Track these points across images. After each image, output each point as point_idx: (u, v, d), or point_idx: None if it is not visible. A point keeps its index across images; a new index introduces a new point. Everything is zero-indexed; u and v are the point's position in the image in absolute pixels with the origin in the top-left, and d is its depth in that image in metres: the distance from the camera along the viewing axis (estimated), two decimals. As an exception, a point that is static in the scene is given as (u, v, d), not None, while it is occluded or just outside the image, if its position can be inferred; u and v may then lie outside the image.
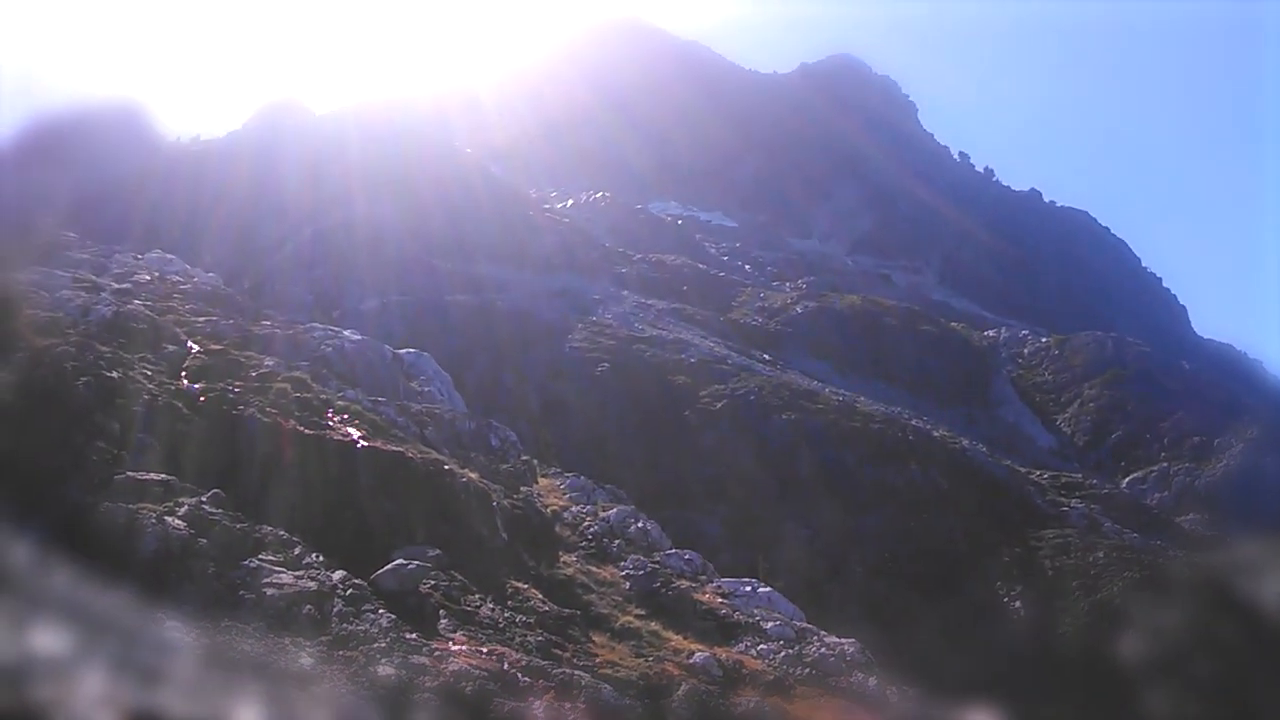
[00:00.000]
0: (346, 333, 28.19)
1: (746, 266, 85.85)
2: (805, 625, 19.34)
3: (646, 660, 15.35)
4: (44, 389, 16.25)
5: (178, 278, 30.76)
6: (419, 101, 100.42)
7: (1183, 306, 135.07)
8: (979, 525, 39.15)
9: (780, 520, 37.85)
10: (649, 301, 57.99)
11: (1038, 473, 47.87)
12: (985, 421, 58.30)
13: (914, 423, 47.01)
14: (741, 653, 17.09)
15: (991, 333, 76.47)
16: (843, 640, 18.51)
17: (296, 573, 13.15)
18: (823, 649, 17.95)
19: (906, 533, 38.12)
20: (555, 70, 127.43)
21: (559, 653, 14.35)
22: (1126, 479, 53.42)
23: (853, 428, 43.42)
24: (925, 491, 40.79)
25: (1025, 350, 72.37)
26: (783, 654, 17.42)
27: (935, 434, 46.53)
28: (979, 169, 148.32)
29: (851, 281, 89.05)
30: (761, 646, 17.57)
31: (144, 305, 23.59)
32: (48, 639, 4.66)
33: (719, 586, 20.39)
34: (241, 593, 12.47)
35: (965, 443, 47.18)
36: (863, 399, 48.85)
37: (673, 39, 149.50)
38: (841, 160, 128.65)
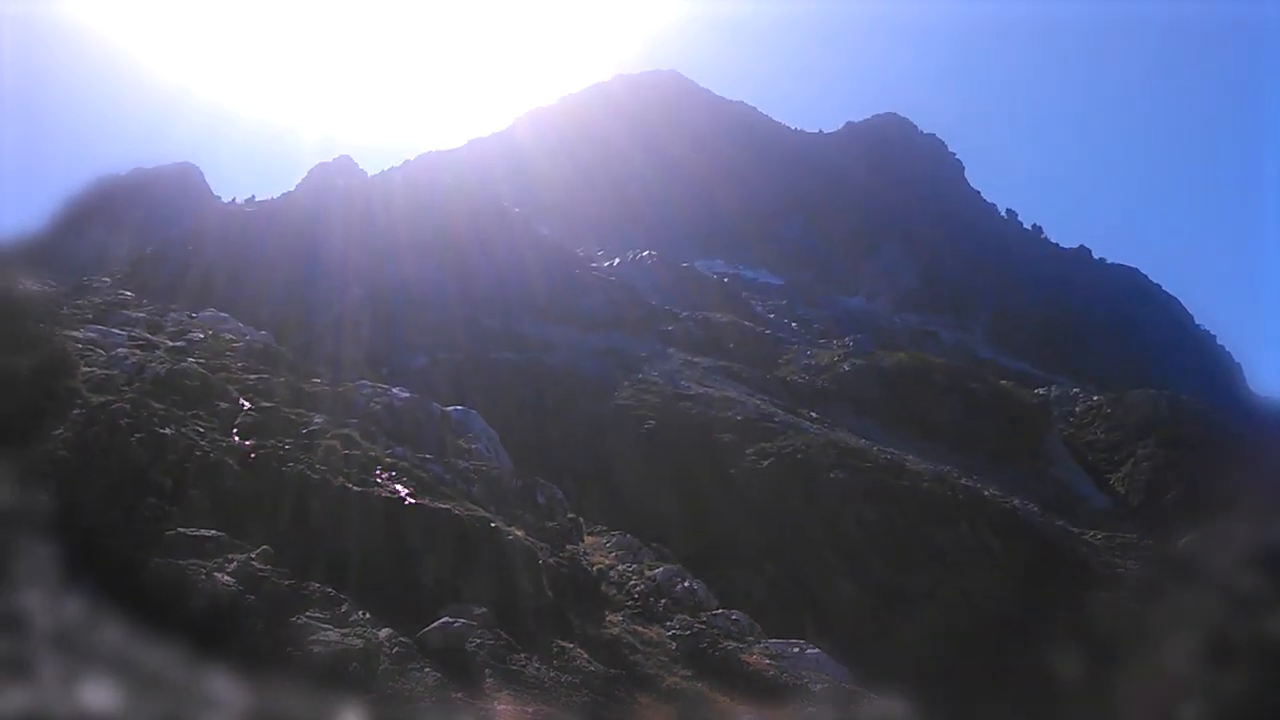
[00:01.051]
0: (395, 390, 28.42)
1: (793, 324, 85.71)
2: (853, 687, 19.06)
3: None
4: (99, 445, 16.48)
5: (230, 336, 31.21)
6: (464, 159, 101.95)
7: (1237, 363, 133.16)
8: (1031, 586, 38.44)
9: (828, 580, 37.42)
10: (695, 359, 57.97)
11: (1091, 533, 47.02)
12: (1036, 481, 57.47)
13: (964, 482, 46.42)
14: (790, 714, 16.86)
15: (1042, 390, 75.58)
16: (891, 702, 18.21)
17: (343, 630, 13.17)
18: (871, 711, 17.66)
19: (957, 594, 37.53)
20: (600, 128, 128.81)
21: (605, 713, 14.23)
22: (1182, 540, 52.33)
23: (901, 486, 42.96)
24: (975, 552, 40.17)
25: (1076, 408, 71.43)
26: (831, 716, 17.16)
27: (985, 493, 45.91)
28: (1027, 226, 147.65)
29: (898, 339, 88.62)
30: (810, 709, 17.33)
31: (197, 363, 23.94)
32: (99, 694, 4.69)
33: (766, 647, 20.17)
34: (289, 649, 12.51)
35: (1016, 502, 46.48)
36: (911, 457, 48.34)
37: (717, 98, 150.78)
38: (888, 218, 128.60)
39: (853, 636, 32.30)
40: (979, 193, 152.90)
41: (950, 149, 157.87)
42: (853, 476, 43.15)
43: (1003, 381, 70.99)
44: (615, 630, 18.54)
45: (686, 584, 22.45)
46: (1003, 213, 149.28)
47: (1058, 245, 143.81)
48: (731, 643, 19.66)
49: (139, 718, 4.44)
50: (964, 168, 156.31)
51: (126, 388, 19.69)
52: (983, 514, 42.99)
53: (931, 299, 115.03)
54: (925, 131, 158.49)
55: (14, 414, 17.16)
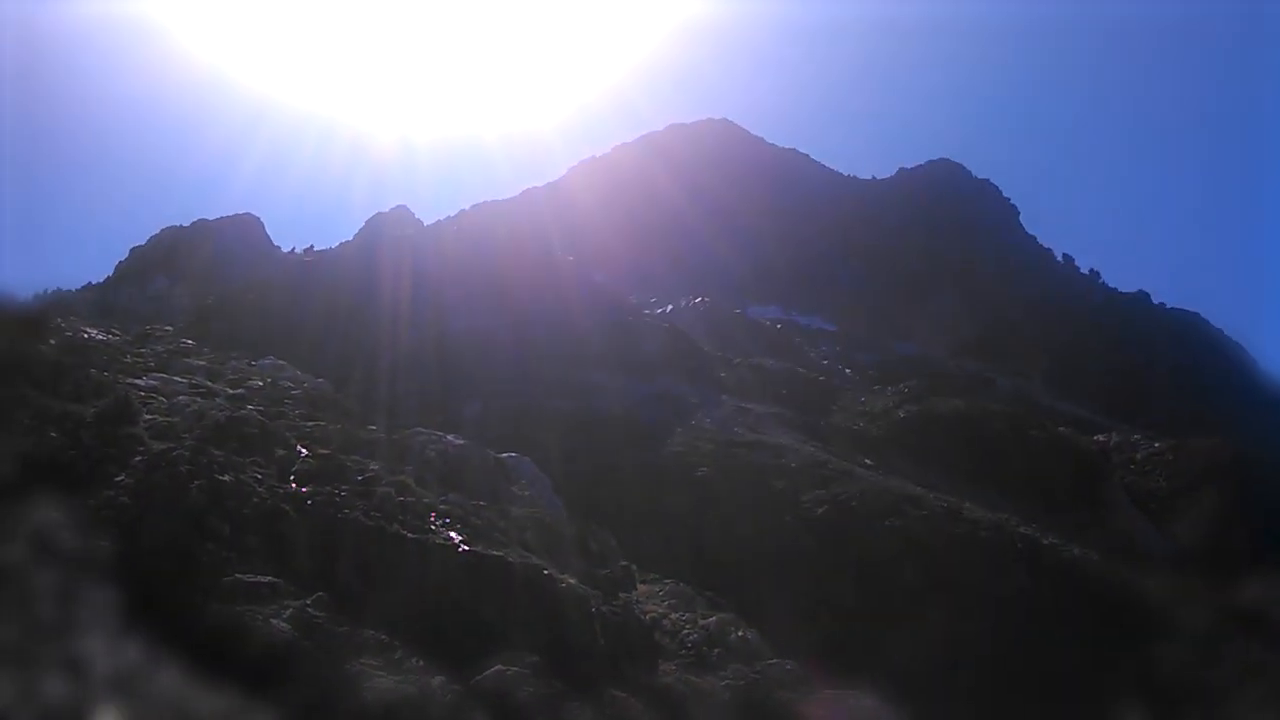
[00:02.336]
0: (449, 437, 28.59)
1: (847, 370, 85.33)
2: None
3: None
4: (160, 492, 16.73)
5: (289, 383, 31.63)
6: (517, 208, 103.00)
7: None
8: (1093, 637, 37.68)
9: (884, 629, 36.91)
10: (748, 406, 57.83)
11: (1153, 583, 46.04)
12: (1097, 529, 56.45)
13: (1022, 530, 45.73)
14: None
15: (1102, 437, 74.39)
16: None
17: (397, 677, 13.21)
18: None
19: (1016, 644, 36.83)
20: (651, 177, 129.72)
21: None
22: (1249, 589, 51.08)
23: (958, 534, 42.42)
24: (1035, 601, 39.47)
25: (1138, 455, 70.20)
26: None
27: (1045, 541, 45.19)
28: (1084, 271, 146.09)
29: (955, 385, 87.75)
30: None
31: (256, 410, 24.25)
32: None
33: (822, 697, 19.92)
34: (344, 696, 12.56)
35: (1076, 550, 45.69)
36: (968, 505, 47.72)
37: (769, 146, 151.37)
38: (942, 264, 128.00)
39: (910, 687, 31.81)
40: (1034, 238, 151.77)
41: (1004, 194, 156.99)
42: (909, 524, 42.70)
43: (1062, 428, 69.97)
44: (668, 679, 18.42)
45: (740, 633, 22.27)
46: (1059, 258, 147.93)
47: (1116, 290, 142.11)
48: (786, 693, 19.46)
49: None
50: (1019, 213, 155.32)
51: (187, 435, 19.99)
52: (1042, 562, 42.32)
53: (988, 345, 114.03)
54: (978, 177, 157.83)
55: (77, 460, 17.48)
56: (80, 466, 17.27)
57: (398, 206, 72.00)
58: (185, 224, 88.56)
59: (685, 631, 21.57)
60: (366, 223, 69.92)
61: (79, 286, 73.52)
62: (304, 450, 22.12)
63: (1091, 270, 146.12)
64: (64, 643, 12.35)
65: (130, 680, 11.44)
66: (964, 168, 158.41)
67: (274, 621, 13.41)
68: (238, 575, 14.60)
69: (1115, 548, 53.50)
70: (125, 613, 13.07)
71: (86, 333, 30.08)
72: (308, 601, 14.35)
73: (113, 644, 12.08)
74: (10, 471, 16.70)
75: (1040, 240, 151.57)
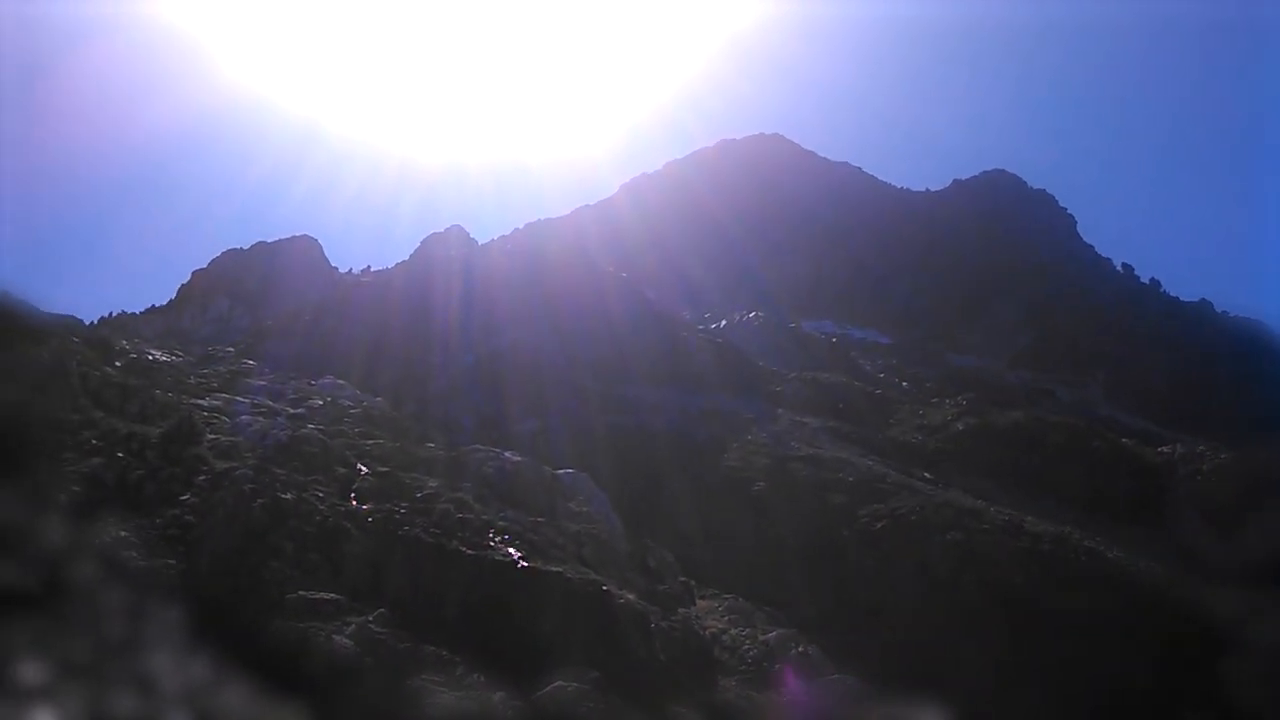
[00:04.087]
0: (506, 454, 28.74)
1: (903, 383, 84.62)
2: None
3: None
4: (224, 511, 16.99)
5: (348, 402, 31.96)
6: (570, 226, 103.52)
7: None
8: (1158, 652, 36.98)
9: (945, 645, 36.48)
10: (804, 420, 57.54)
11: (1220, 596, 45.11)
12: (1162, 542, 55.47)
13: (1085, 543, 45.05)
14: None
15: (1165, 448, 73.09)
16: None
17: (458, 693, 13.28)
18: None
19: (1081, 661, 36.25)
20: (704, 193, 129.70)
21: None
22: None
23: (1020, 549, 41.87)
24: (1100, 616, 38.82)
25: (1204, 466, 68.88)
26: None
27: (1109, 555, 44.48)
28: (1144, 280, 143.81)
29: (1013, 397, 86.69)
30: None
31: (317, 429, 24.55)
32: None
33: (883, 712, 19.72)
34: (406, 712, 12.65)
35: (1141, 565, 44.93)
36: (1029, 518, 47.11)
37: (822, 160, 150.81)
38: (999, 275, 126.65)
39: (972, 702, 31.41)
40: (1092, 247, 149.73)
41: (1061, 204, 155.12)
42: (969, 538, 42.24)
43: (1124, 440, 68.88)
44: (729, 695, 18.34)
45: (800, 648, 22.13)
46: (1118, 267, 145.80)
47: (1177, 299, 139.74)
48: (849, 708, 19.29)
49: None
50: (1076, 222, 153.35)
51: (250, 454, 20.29)
52: (1107, 577, 41.65)
53: (1046, 356, 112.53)
54: (1034, 187, 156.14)
55: (144, 480, 17.79)
56: (147, 486, 17.58)
57: (452, 227, 72.57)
58: (244, 246, 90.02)
59: (745, 647, 21.48)
60: (422, 243, 70.56)
61: (143, 309, 74.96)
62: (364, 468, 22.35)
63: (1151, 279, 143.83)
64: (132, 660, 12.53)
65: (197, 697, 11.58)
66: (1019, 178, 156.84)
67: (337, 637, 13.55)
68: (301, 592, 14.78)
69: (1180, 561, 52.53)
70: (191, 630, 13.26)
71: (151, 355, 30.66)
72: (369, 618, 14.49)
73: (180, 661, 12.23)
74: (79, 491, 17.04)
75: (1098, 250, 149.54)
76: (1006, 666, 36.08)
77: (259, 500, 17.15)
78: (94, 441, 18.69)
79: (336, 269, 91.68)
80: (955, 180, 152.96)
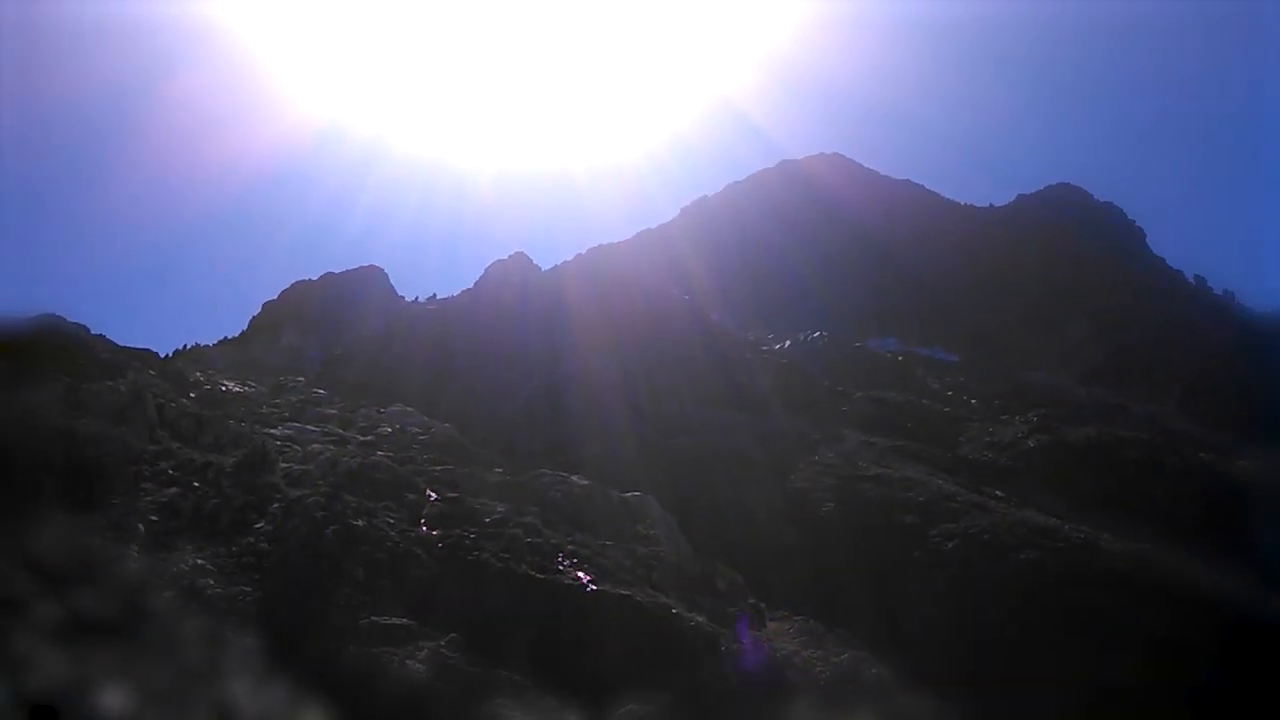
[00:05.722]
0: (573, 478, 28.80)
1: (972, 401, 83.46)
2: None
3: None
4: (296, 538, 17.21)
5: (416, 429, 32.26)
6: (632, 250, 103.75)
7: None
8: (1243, 672, 35.97)
9: (1022, 665, 35.80)
10: (872, 439, 56.95)
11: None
12: (1243, 560, 54.02)
13: (1163, 561, 44.02)
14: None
15: (1244, 462, 71.27)
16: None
17: (531, 717, 13.30)
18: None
19: (1160, 680, 35.35)
20: (765, 214, 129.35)
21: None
22: None
23: (1096, 567, 41.01)
24: (1181, 636, 37.85)
25: (1284, 480, 67.06)
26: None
27: (1187, 573, 43.42)
28: (1218, 292, 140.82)
29: (1085, 413, 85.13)
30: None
31: (386, 456, 24.81)
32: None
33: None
34: (479, 737, 12.67)
35: (1221, 581, 43.79)
36: (1106, 536, 46.19)
37: (884, 178, 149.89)
38: (1066, 289, 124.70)
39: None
40: (1163, 259, 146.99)
41: (1129, 216, 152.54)
42: (1044, 557, 41.46)
43: (1201, 454, 67.28)
44: (801, 718, 18.16)
45: (873, 670, 21.87)
46: (1191, 279, 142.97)
47: (1253, 310, 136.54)
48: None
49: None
50: (1145, 235, 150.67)
51: (321, 481, 20.55)
52: (1187, 596, 40.63)
53: (1118, 371, 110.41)
54: (1101, 200, 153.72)
55: (220, 509, 18.09)
56: (222, 515, 17.88)
57: (516, 254, 73.12)
58: (313, 277, 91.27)
59: (817, 669, 21.27)
60: (487, 270, 71.11)
61: (215, 341, 76.29)
62: (433, 494, 22.53)
63: (1225, 291, 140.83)
64: (211, 687, 12.73)
65: (274, 722, 11.77)
66: (1085, 191, 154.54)
67: (409, 663, 13.64)
68: (373, 617, 14.91)
69: (1262, 576, 51.11)
70: (268, 656, 13.43)
71: (224, 385, 31.22)
72: (441, 643, 14.57)
73: (257, 687, 12.41)
74: (157, 521, 17.36)
75: (1169, 262, 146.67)
76: (1087, 684, 35.32)
77: (331, 527, 17.36)
78: (170, 471, 19.06)
79: (403, 297, 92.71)
80: (1020, 195, 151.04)
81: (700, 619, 18.95)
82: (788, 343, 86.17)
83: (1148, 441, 66.40)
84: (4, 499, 15.96)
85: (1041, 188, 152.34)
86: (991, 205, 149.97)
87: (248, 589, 14.82)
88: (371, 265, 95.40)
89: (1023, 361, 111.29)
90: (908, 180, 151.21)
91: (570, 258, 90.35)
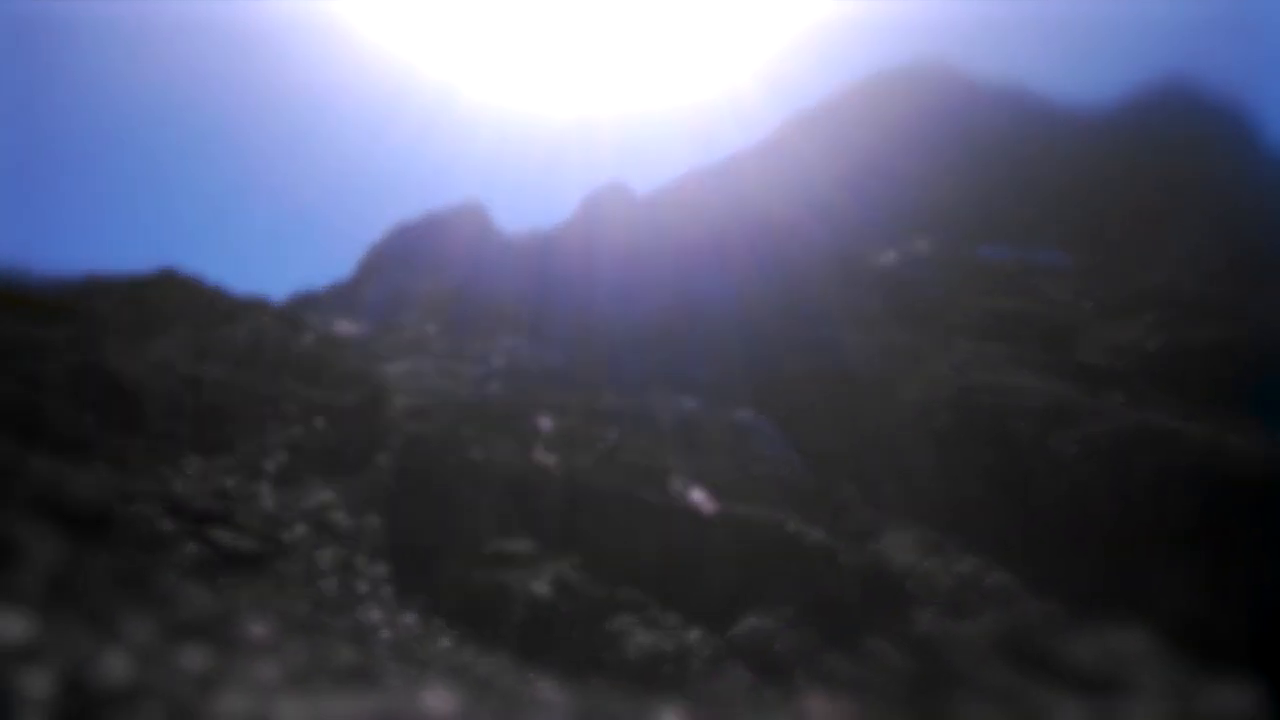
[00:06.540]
0: (685, 400, 28.94)
1: (1088, 304, 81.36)
2: (1186, 679, 17.88)
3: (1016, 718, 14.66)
4: (419, 471, 17.66)
5: (527, 360, 32.69)
6: (730, 169, 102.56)
7: None
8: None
9: (1151, 571, 35.24)
10: (984, 348, 56.00)
11: None
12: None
13: (1296, 459, 42.63)
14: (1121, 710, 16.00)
15: (1380, 355, 68.37)
16: (1237, 691, 16.96)
17: (656, 633, 13.55)
18: (1215, 703, 16.52)
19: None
20: (866, 125, 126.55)
21: (924, 712, 13.97)
22: None
23: (1225, 470, 39.94)
24: (1316, 534, 36.78)
25: None
26: (1165, 709, 16.16)
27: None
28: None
29: (1207, 313, 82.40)
30: (1139, 704, 16.39)
31: (499, 387, 25.22)
32: (438, 700, 5.06)
33: (1087, 641, 19.23)
34: (605, 654, 12.98)
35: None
36: (1232, 438, 44.92)
37: (985, 83, 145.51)
38: (1181, 189, 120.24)
39: (1182, 630, 30.28)
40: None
41: (1250, 108, 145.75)
42: (1169, 461, 40.52)
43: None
44: (925, 627, 18.18)
45: (996, 577, 21.73)
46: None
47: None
48: (1049, 637, 18.88)
49: None
50: (1267, 123, 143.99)
51: (438, 415, 20.99)
52: (1321, 492, 39.38)
53: (1239, 269, 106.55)
54: (1219, 92, 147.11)
55: (344, 446, 18.64)
56: (346, 451, 18.42)
57: (612, 181, 72.93)
58: (415, 216, 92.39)
59: (938, 578, 21.21)
60: (582, 201, 71.13)
61: (326, 285, 77.91)
62: (547, 422, 22.86)
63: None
64: (347, 615, 13.30)
65: (410, 646, 12.21)
66: (1200, 81, 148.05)
67: (534, 585, 13.97)
68: (497, 544, 15.28)
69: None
70: (398, 583, 13.91)
71: (338, 327, 31.96)
72: (564, 566, 14.88)
73: (391, 614, 12.92)
74: (284, 460, 17.98)
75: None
76: (1212, 591, 34.65)
77: (450, 458, 17.76)
78: (294, 411, 19.67)
79: (501, 233, 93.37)
80: (1133, 90, 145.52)
81: (818, 533, 19.01)
82: (895, 254, 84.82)
83: (1275, 339, 64.13)
84: (143, 445, 16.68)
85: (1157, 80, 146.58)
86: (1102, 103, 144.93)
87: (375, 521, 15.29)
88: (470, 202, 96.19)
89: (1139, 262, 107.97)
90: (1012, 83, 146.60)
91: (669, 181, 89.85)
